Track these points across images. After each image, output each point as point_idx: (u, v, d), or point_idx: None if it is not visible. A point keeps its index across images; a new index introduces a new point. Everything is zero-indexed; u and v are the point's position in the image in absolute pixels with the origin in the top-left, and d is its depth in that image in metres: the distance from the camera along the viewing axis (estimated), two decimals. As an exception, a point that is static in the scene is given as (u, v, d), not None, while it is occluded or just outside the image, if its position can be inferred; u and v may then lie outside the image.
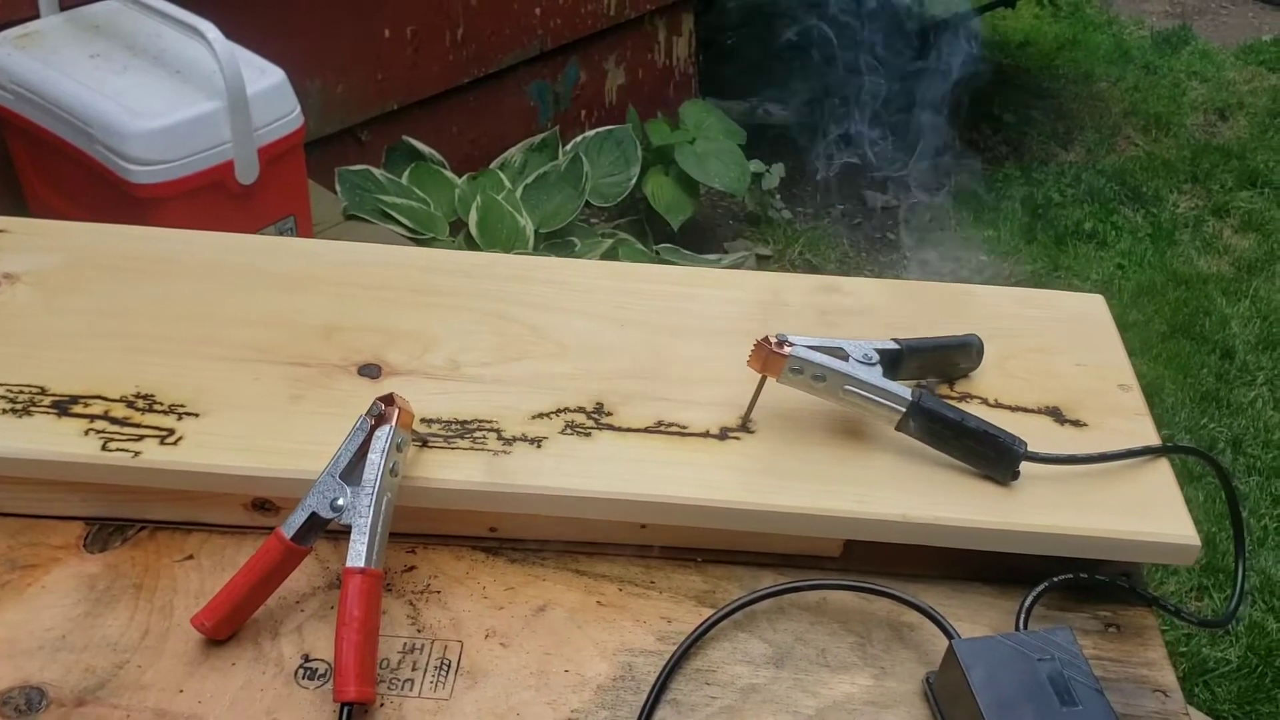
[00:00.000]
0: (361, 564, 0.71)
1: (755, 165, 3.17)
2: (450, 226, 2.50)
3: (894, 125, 3.82)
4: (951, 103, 3.89)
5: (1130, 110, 4.01)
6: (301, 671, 0.74)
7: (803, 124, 3.67)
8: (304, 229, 2.01)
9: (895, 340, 0.85)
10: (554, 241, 2.52)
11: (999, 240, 3.31)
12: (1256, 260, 3.23)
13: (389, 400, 0.77)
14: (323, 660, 0.74)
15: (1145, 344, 2.84)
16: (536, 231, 2.49)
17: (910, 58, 3.98)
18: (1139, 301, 3.03)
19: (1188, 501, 0.81)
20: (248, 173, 1.84)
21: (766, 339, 0.80)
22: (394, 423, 0.76)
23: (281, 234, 1.97)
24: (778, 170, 3.28)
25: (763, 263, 3.12)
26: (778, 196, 3.34)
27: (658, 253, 2.68)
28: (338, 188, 2.45)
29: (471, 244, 2.42)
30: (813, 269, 3.15)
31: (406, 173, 2.58)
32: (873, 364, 0.82)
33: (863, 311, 0.95)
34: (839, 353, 0.81)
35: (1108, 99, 4.08)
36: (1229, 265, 3.22)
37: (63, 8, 1.96)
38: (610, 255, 2.50)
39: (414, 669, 0.75)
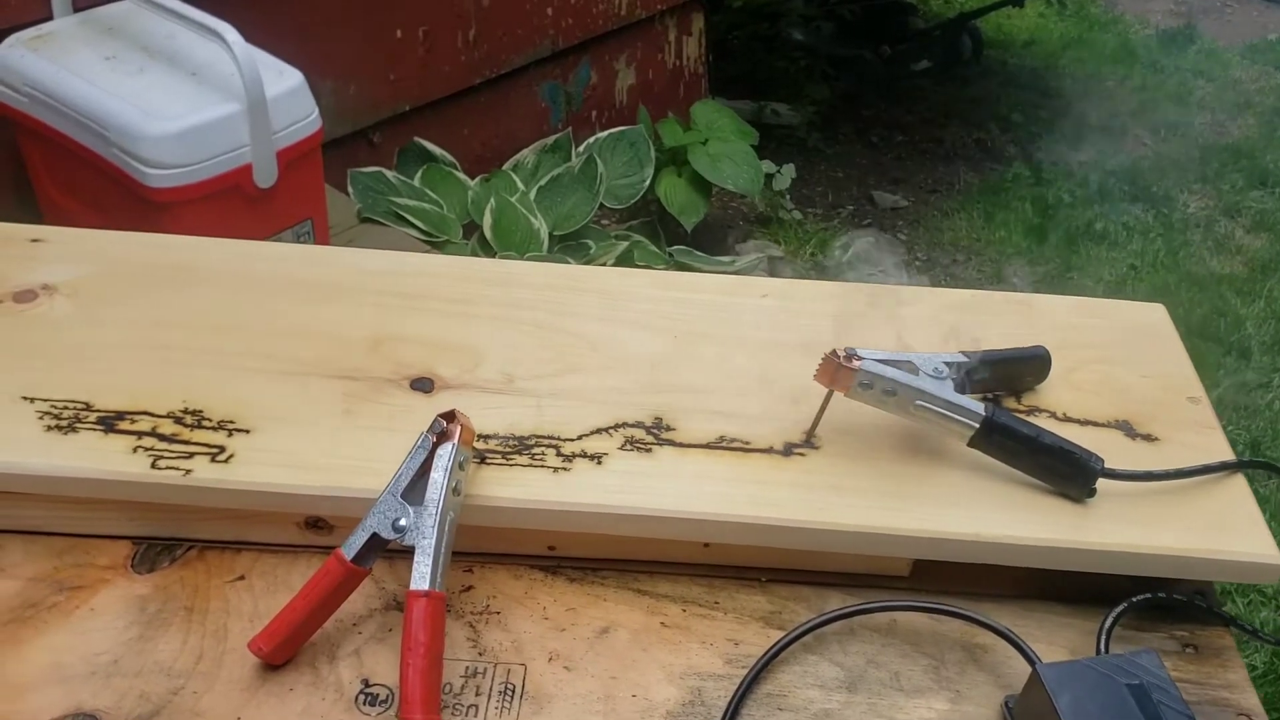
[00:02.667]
0: (426, 587, 0.69)
1: (766, 166, 3.15)
2: (463, 229, 2.48)
3: (903, 125, 3.81)
4: (959, 101, 3.88)
5: (1138, 109, 4.00)
6: (362, 697, 0.72)
7: (811, 124, 3.66)
8: (321, 232, 1.99)
9: (964, 353, 0.83)
10: (568, 244, 2.49)
11: (1009, 241, 3.29)
12: (1270, 260, 3.21)
13: (451, 417, 0.75)
14: (384, 685, 0.72)
15: (1161, 346, 2.82)
16: (551, 234, 2.47)
17: (918, 56, 3.97)
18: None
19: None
20: (266, 176, 1.81)
21: (835, 352, 0.78)
22: (456, 440, 0.74)
23: (299, 237, 1.94)
24: (789, 171, 3.26)
25: (774, 264, 3.10)
26: (788, 197, 3.32)
27: (670, 254, 2.66)
28: (350, 190, 2.42)
29: (485, 246, 2.40)
30: (823, 270, 3.13)
31: (418, 174, 2.56)
32: (943, 378, 0.79)
33: (921, 321, 0.93)
34: (909, 366, 0.79)
35: (1115, 98, 4.07)
36: (1242, 265, 3.20)
37: (76, 9, 1.93)
38: (625, 257, 2.48)
39: (478, 694, 0.72)
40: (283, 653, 0.72)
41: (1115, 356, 0.91)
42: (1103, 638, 0.74)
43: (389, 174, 2.49)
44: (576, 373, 0.87)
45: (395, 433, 0.77)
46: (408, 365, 0.86)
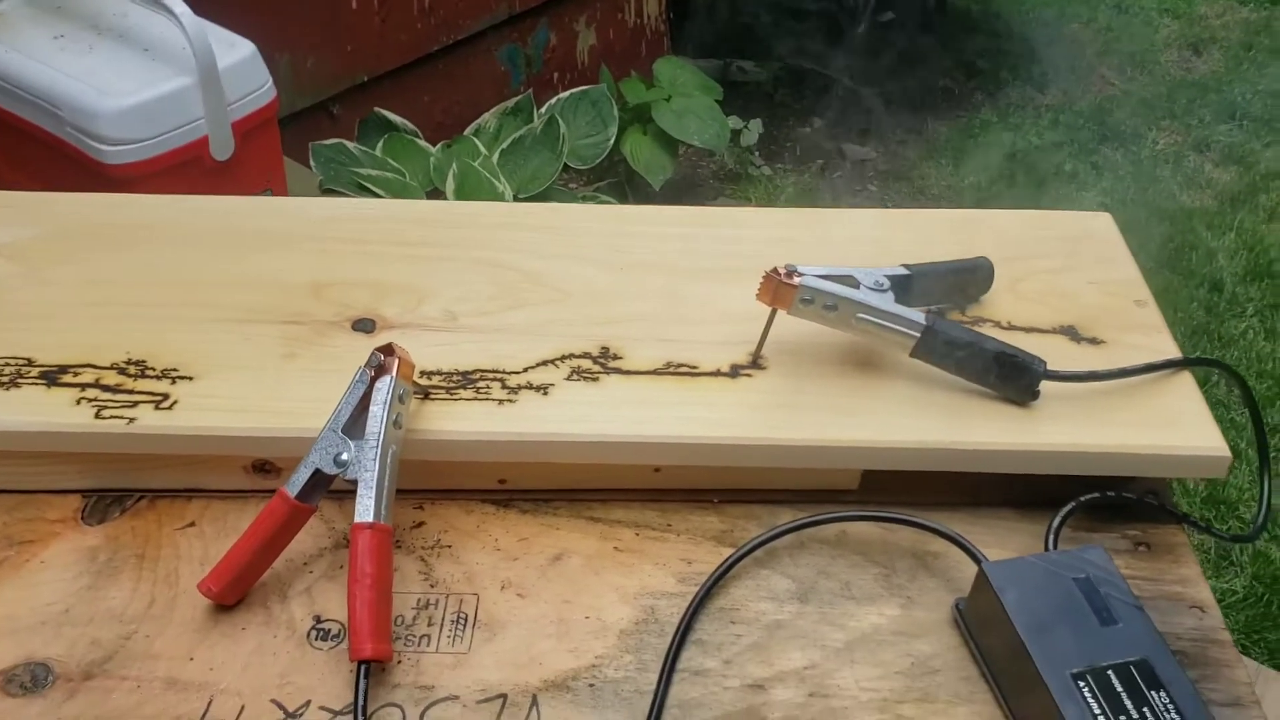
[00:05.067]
0: (370, 519, 0.69)
1: (733, 122, 3.14)
2: (427, 196, 2.46)
3: (868, 76, 3.79)
4: (925, 51, 3.87)
5: (1104, 50, 3.99)
6: (315, 633, 0.72)
7: (777, 79, 3.65)
8: (282, 203, 1.97)
9: (905, 266, 0.83)
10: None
11: (979, 187, 3.29)
12: (1239, 192, 3.21)
13: (388, 350, 0.74)
14: (335, 621, 0.72)
15: (1133, 281, 2.83)
16: (515, 196, 2.46)
17: (883, 8, 3.95)
18: (1124, 239, 3.01)
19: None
20: (223, 148, 1.80)
21: (775, 270, 0.78)
22: (394, 373, 0.73)
23: (288, 197, 1.93)
24: (755, 126, 3.25)
25: (745, 220, 3.09)
26: (757, 153, 3.31)
27: (640, 213, 2.65)
28: (312, 163, 2.41)
29: (452, 213, 2.39)
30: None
31: (380, 144, 2.54)
32: (884, 290, 0.79)
33: (868, 242, 0.93)
34: (850, 280, 0.79)
35: (1081, 40, 4.06)
36: (1212, 199, 3.21)
37: (22, -12, 1.91)
38: (593, 217, 2.47)
39: (430, 624, 0.72)
40: (233, 593, 0.72)
41: (1060, 265, 0.91)
42: (1050, 537, 0.74)
43: (350, 145, 2.47)
44: (522, 308, 0.87)
45: (337, 373, 0.76)
46: (350, 307, 0.86)
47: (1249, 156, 3.37)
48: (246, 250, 0.92)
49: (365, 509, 0.69)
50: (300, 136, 2.44)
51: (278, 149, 1.96)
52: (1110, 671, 0.64)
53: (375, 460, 0.71)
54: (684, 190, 3.19)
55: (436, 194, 2.45)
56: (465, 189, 2.41)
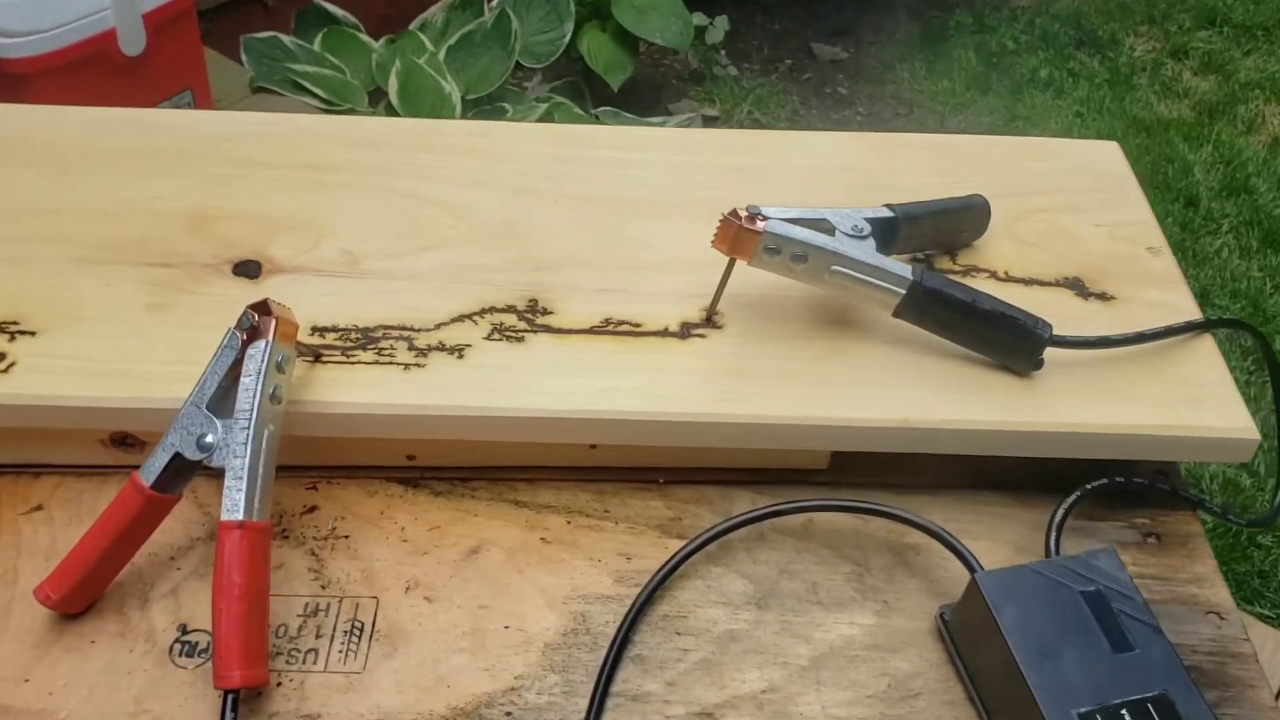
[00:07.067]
0: (240, 516, 0.57)
1: (698, 18, 2.97)
2: (369, 96, 2.30)
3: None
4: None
5: (1084, -51, 3.82)
6: (179, 647, 0.60)
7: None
8: (203, 103, 1.82)
9: (889, 206, 0.70)
10: (484, 107, 2.32)
11: (953, 92, 3.15)
12: (1217, 103, 3.09)
13: (263, 309, 0.61)
14: (204, 631, 0.60)
15: (1109, 195, 2.72)
16: (464, 98, 2.29)
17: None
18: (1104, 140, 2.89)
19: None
20: (133, 43, 1.65)
21: (735, 212, 0.65)
22: (271, 337, 0.60)
23: (178, 110, 1.77)
24: (721, 23, 3.08)
25: (710, 123, 2.94)
26: (722, 52, 3.14)
27: (597, 117, 2.50)
28: (243, 58, 2.23)
29: (392, 113, 2.23)
30: (762, 128, 2.98)
31: (319, 39, 2.36)
32: (864, 237, 0.67)
33: (841, 171, 0.80)
34: (823, 225, 0.67)
35: (1060, -63, 3.89)
36: (1189, 109, 3.09)
37: None
38: (545, 120, 2.32)
39: (318, 636, 0.61)
40: (77, 599, 0.60)
41: (1064, 204, 0.78)
42: (1053, 535, 0.63)
43: (285, 39, 2.29)
44: (437, 249, 0.74)
45: (213, 328, 0.63)
46: (232, 246, 0.73)
47: (1228, 65, 3.24)
48: (121, 173, 0.78)
49: (234, 504, 0.57)
50: (231, 29, 2.26)
51: (197, 44, 1.80)
52: (1125, 710, 0.54)
53: (247, 444, 0.58)
54: (645, 91, 3.03)
55: (379, 93, 2.29)
56: (409, 88, 2.25)
